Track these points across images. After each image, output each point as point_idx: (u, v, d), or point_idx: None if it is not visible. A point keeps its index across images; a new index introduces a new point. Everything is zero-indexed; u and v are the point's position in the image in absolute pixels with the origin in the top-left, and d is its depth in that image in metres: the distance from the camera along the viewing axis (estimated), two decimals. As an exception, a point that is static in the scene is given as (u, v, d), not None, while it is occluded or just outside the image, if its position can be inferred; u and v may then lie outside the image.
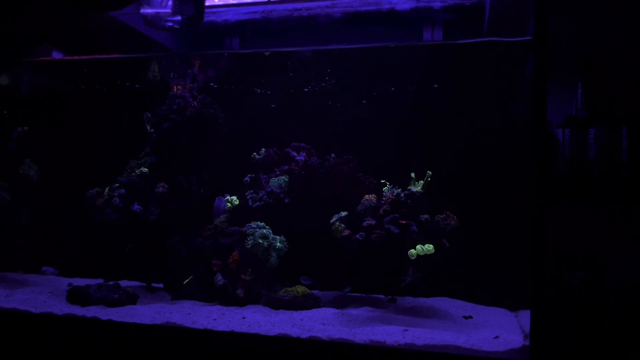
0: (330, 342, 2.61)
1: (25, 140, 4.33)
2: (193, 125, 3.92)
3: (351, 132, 3.93)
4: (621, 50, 2.61)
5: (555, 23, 2.37)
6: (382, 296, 3.69)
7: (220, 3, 3.72)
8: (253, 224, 3.56)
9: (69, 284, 3.88)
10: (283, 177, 3.72)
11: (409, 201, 3.40)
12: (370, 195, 3.54)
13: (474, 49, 3.68)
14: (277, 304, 3.29)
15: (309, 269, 3.63)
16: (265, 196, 3.76)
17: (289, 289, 3.36)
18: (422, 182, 3.46)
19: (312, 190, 3.70)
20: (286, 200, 3.69)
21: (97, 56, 4.25)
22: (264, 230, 3.51)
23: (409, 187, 3.49)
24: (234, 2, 3.72)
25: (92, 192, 3.92)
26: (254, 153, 3.94)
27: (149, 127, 4.08)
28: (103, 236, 3.90)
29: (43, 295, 3.44)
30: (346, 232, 3.42)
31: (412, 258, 3.18)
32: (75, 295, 3.30)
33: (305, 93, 4.13)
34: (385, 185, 3.59)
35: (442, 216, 3.32)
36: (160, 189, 3.83)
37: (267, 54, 4.02)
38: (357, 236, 3.34)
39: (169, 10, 3.12)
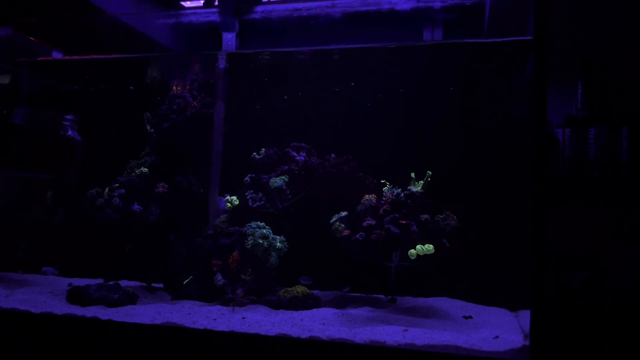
0: (330, 342, 2.61)
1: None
2: (193, 125, 3.92)
3: (351, 132, 3.93)
4: (621, 50, 2.61)
5: (555, 23, 2.37)
6: (382, 296, 3.69)
7: (221, 3, 3.72)
8: (253, 224, 3.56)
9: (69, 284, 3.88)
10: (283, 177, 3.72)
11: (409, 201, 3.40)
12: (370, 195, 3.54)
13: (474, 49, 3.68)
14: (277, 304, 3.29)
15: (309, 269, 3.63)
16: (265, 196, 3.76)
17: (289, 289, 3.36)
18: (422, 182, 3.45)
19: (312, 190, 3.70)
20: (286, 203, 3.70)
21: (97, 56, 4.25)
22: (264, 230, 3.51)
23: (409, 187, 3.49)
24: (234, 2, 3.72)
25: (92, 192, 3.92)
26: (254, 153, 3.94)
27: (149, 127, 4.08)
28: (103, 236, 3.90)
29: (43, 295, 3.44)
30: (346, 232, 3.42)
31: (412, 258, 3.18)
32: (75, 295, 3.30)
33: (305, 93, 4.13)
34: (385, 185, 3.59)
35: (442, 216, 3.32)
36: (160, 189, 3.83)
37: (267, 54, 4.02)
38: (357, 236, 3.34)
39: None
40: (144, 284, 3.92)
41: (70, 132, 4.15)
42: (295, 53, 3.95)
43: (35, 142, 4.24)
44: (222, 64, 4.13)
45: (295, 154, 3.86)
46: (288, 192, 3.71)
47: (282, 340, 2.66)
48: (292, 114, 4.11)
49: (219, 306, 3.33)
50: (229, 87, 4.19)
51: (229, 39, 3.86)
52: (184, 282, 3.57)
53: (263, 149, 3.95)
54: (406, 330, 2.78)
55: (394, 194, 3.46)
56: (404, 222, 3.30)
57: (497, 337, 2.69)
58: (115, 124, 4.43)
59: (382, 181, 3.61)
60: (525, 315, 2.73)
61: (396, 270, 3.25)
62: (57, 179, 4.23)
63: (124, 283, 3.69)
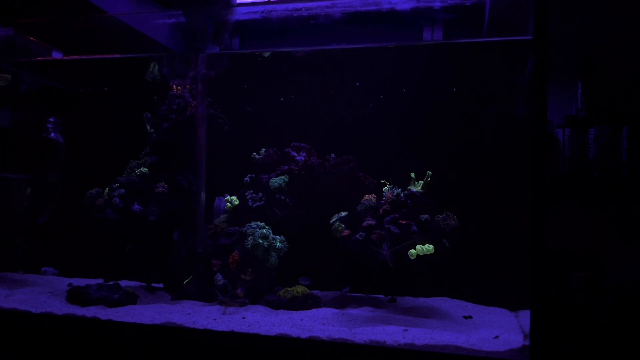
0: (330, 342, 2.61)
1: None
2: (193, 125, 3.92)
3: (351, 132, 3.93)
4: (621, 50, 2.61)
5: (555, 23, 2.37)
6: (382, 296, 3.69)
7: (220, 3, 3.72)
8: (253, 224, 3.56)
9: (69, 284, 3.88)
10: (283, 177, 3.72)
11: (409, 201, 3.40)
12: (370, 195, 3.54)
13: (474, 49, 3.68)
14: (277, 304, 3.29)
15: (309, 269, 3.63)
16: (265, 196, 3.76)
17: (289, 289, 3.36)
18: (422, 182, 3.46)
19: (312, 190, 3.70)
20: (287, 201, 3.69)
21: (97, 56, 4.25)
22: (264, 230, 3.51)
23: (409, 187, 3.49)
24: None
25: (92, 192, 3.92)
26: (254, 153, 3.94)
27: (149, 127, 4.08)
28: (103, 236, 3.90)
29: (43, 295, 3.44)
30: (346, 232, 3.42)
31: (412, 258, 3.17)
32: (75, 295, 3.30)
33: (305, 93, 4.13)
34: (385, 185, 3.59)
35: (442, 216, 3.32)
36: (160, 189, 3.83)
37: (266, 54, 4.02)
38: (357, 236, 3.34)
39: None
40: (144, 284, 3.92)
41: (52, 135, 4.18)
42: (295, 53, 3.95)
43: (18, 143, 4.28)
44: (222, 63, 4.13)
45: (295, 154, 3.86)
46: (288, 192, 3.70)
47: (282, 340, 2.66)
48: (292, 114, 4.11)
49: (218, 306, 3.33)
50: (229, 86, 4.19)
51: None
52: (184, 282, 3.57)
53: (263, 149, 3.95)
54: (406, 330, 2.79)
55: (394, 194, 3.46)
56: (404, 222, 3.30)
57: (497, 337, 2.69)
58: (115, 124, 4.43)
59: (382, 181, 3.61)
60: (525, 315, 2.73)
61: (384, 261, 3.22)
62: (39, 180, 4.25)
63: (124, 283, 3.69)
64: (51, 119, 4.22)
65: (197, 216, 3.82)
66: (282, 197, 3.62)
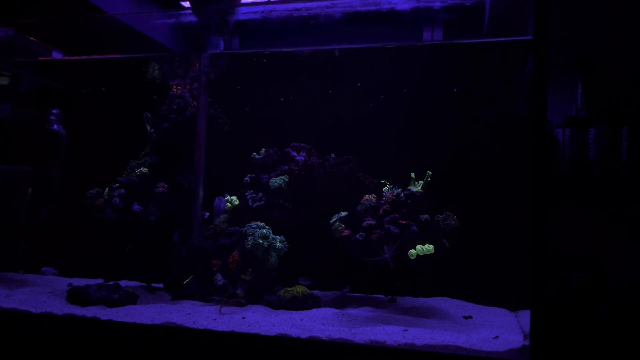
0: (330, 342, 2.61)
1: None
2: (193, 126, 3.92)
3: (351, 132, 3.93)
4: (621, 50, 2.61)
5: (555, 23, 2.37)
6: (382, 296, 3.69)
7: (220, 3, 3.72)
8: (253, 224, 3.56)
9: (69, 284, 3.88)
10: (283, 177, 3.72)
11: (409, 201, 3.40)
12: (370, 195, 3.54)
13: (474, 49, 3.68)
14: (277, 304, 3.29)
15: (309, 269, 3.63)
16: (265, 196, 3.75)
17: (289, 289, 3.36)
18: (422, 182, 3.45)
19: (312, 190, 3.70)
20: (286, 203, 3.69)
21: (97, 56, 4.25)
22: (264, 230, 3.51)
23: (409, 187, 3.49)
24: (234, 2, 3.72)
25: (92, 192, 3.92)
26: (254, 153, 3.94)
27: (149, 127, 4.08)
28: (103, 236, 3.90)
29: (43, 295, 3.44)
30: (346, 232, 3.42)
31: (412, 258, 3.17)
32: (75, 295, 3.30)
33: (305, 93, 4.13)
34: (385, 185, 3.59)
35: (442, 216, 3.32)
36: (160, 189, 3.83)
37: (266, 54, 4.02)
38: (357, 236, 3.34)
39: None
40: (144, 284, 3.92)
41: (55, 127, 4.15)
42: (294, 53, 3.95)
43: (19, 136, 4.26)
44: (222, 63, 4.13)
45: (295, 154, 3.86)
46: (288, 192, 3.70)
47: (282, 340, 2.66)
48: (292, 114, 4.11)
49: (218, 306, 3.33)
50: (229, 86, 4.19)
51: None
52: (184, 282, 3.57)
53: (263, 149, 3.95)
54: (406, 330, 2.79)
55: (394, 194, 3.46)
56: (403, 222, 3.30)
57: (497, 337, 2.69)
58: (115, 124, 4.43)
59: (382, 181, 3.61)
60: (525, 315, 2.73)
61: (386, 263, 3.22)
62: (41, 174, 4.23)
63: (124, 283, 3.69)
64: (54, 111, 4.19)
65: (193, 212, 3.83)
66: (282, 202, 3.62)
